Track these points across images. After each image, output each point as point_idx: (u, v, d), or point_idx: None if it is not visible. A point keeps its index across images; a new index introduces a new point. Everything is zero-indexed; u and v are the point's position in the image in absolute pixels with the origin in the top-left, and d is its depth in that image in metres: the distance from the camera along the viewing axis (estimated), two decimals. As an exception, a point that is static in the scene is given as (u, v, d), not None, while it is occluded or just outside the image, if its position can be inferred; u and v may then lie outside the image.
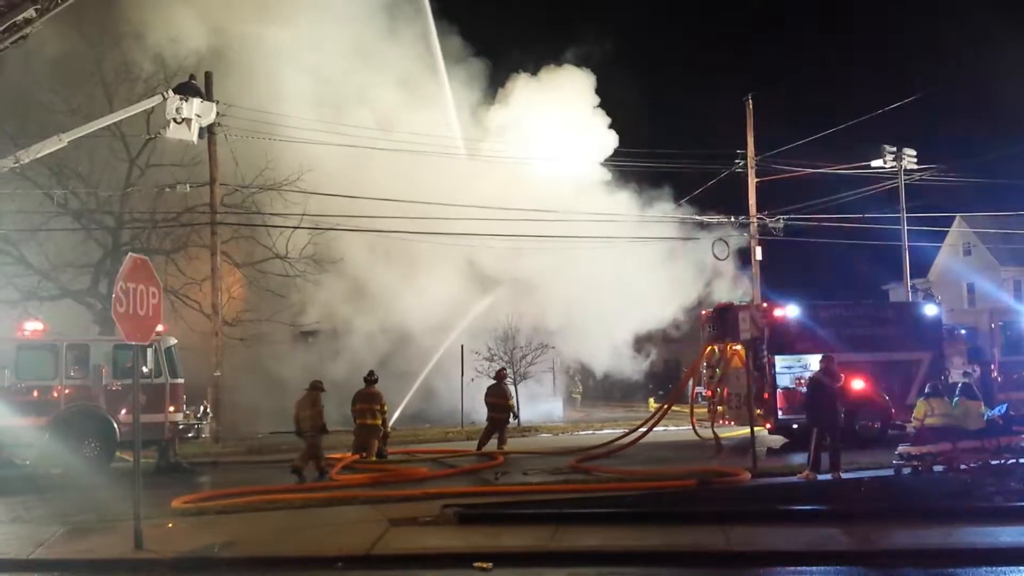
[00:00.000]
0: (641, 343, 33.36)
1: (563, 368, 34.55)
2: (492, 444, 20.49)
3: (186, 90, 19.35)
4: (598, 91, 33.36)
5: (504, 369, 22.77)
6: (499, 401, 20.84)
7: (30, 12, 15.40)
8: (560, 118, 32.14)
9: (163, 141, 24.59)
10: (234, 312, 27.67)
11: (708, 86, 64.99)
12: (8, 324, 19.59)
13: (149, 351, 17.97)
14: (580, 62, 33.52)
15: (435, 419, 29.07)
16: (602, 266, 30.28)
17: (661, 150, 33.57)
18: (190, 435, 19.78)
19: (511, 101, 33.02)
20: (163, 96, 19.04)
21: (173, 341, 19.43)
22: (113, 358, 18.26)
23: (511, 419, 21.28)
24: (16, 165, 18.77)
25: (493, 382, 21.49)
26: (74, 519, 12.70)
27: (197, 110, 18.98)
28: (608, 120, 33.13)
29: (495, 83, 33.76)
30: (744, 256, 33.28)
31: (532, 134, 31.46)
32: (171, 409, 18.70)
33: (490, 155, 30.48)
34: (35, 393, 17.83)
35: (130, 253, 11.62)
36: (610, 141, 32.95)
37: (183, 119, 18.83)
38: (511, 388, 21.66)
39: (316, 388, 17.96)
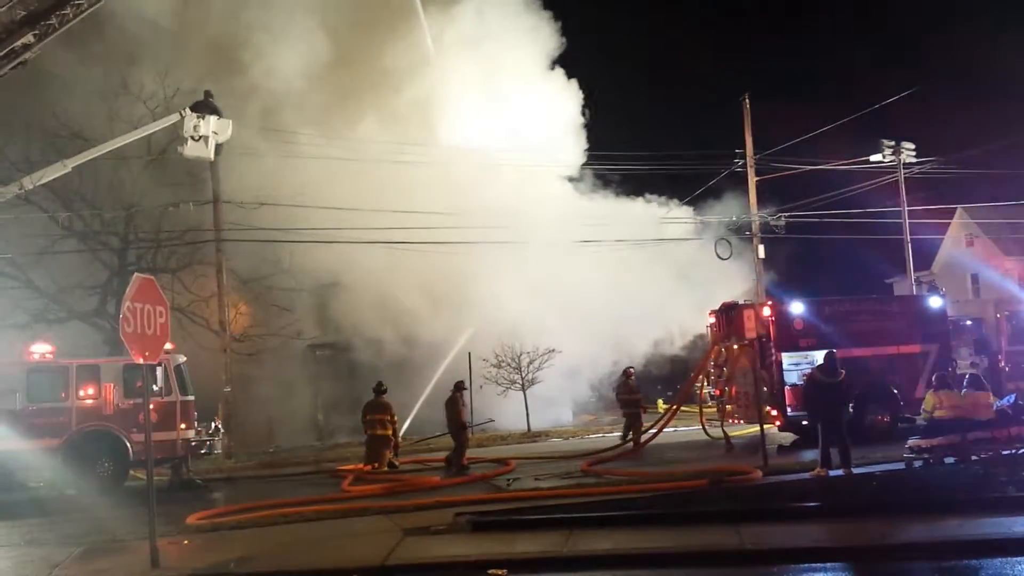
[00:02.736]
0: (651, 345, 33.28)
1: (570, 372, 34.49)
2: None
3: (203, 108, 19.67)
4: (595, 91, 33.67)
5: (631, 368, 23.62)
6: (630, 397, 22.13)
7: (28, 38, 15.57)
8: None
9: (165, 160, 24.87)
10: (242, 328, 27.75)
11: (705, 85, 65.10)
12: (17, 347, 19.67)
13: (159, 369, 17.97)
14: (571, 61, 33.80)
15: (445, 428, 29.06)
16: (605, 269, 30.36)
17: (660, 152, 33.71)
18: (203, 452, 19.83)
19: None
20: (180, 114, 19.34)
21: (182, 359, 19.49)
22: (123, 378, 18.30)
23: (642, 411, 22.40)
24: (21, 192, 18.97)
25: (622, 379, 22.97)
26: (89, 539, 12.77)
27: (214, 127, 19.33)
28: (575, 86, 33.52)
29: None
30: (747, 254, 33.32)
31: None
32: (183, 426, 18.76)
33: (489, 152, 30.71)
34: (47, 415, 17.90)
35: (136, 273, 11.68)
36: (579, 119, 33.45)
37: (200, 137, 19.11)
38: (635, 383, 22.99)
39: (458, 388, 19.86)
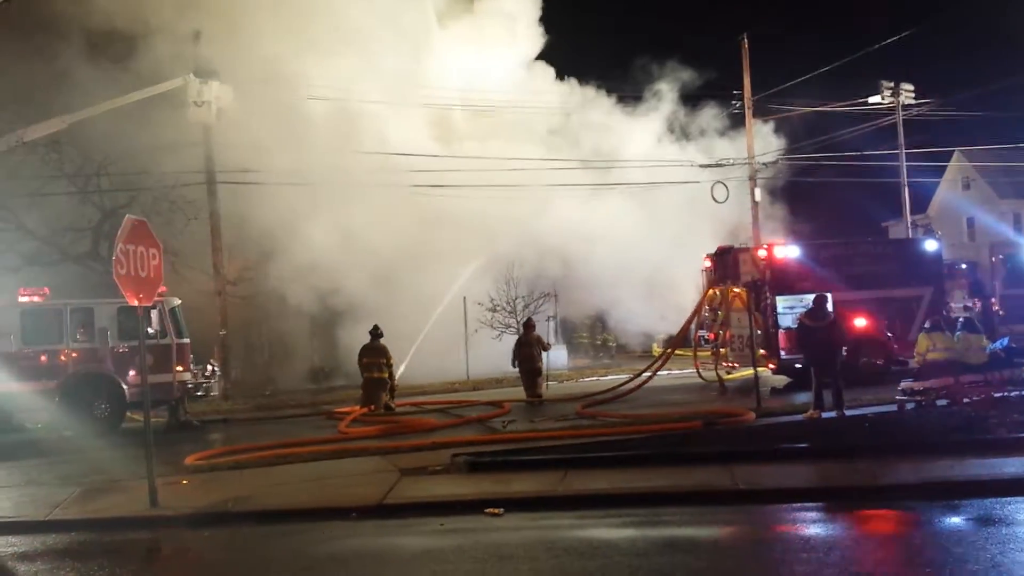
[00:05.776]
0: (648, 289, 33.25)
1: (569, 317, 34.53)
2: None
3: (205, 73, 19.64)
4: (588, 32, 33.31)
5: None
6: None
7: (14, -28, 15.27)
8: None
9: (156, 102, 24.50)
10: (236, 271, 27.66)
11: (703, 24, 64.18)
12: (12, 290, 19.60)
13: (154, 312, 17.99)
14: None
15: (440, 371, 29.15)
16: (603, 212, 30.26)
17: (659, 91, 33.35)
18: (199, 394, 19.94)
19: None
20: (184, 80, 19.34)
21: (177, 302, 19.46)
22: (118, 320, 18.28)
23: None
24: (17, 144, 18.89)
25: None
26: (88, 480, 12.87)
27: (216, 92, 19.32)
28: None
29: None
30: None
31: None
32: (179, 369, 18.79)
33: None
34: (43, 358, 17.92)
35: (128, 215, 11.58)
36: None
37: (204, 102, 19.18)
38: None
39: (528, 326, 20.97)
